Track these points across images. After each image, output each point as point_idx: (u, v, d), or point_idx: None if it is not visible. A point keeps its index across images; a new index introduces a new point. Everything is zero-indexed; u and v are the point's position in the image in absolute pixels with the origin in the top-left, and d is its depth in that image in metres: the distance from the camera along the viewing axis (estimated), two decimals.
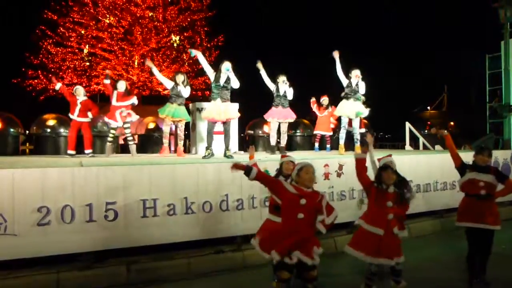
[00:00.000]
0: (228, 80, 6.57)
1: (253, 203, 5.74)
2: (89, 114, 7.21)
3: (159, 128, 10.34)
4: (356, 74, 7.49)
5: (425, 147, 10.67)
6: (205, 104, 8.50)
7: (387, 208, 3.97)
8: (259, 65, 7.52)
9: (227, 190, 5.57)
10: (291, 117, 7.81)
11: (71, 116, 7.13)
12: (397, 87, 32.12)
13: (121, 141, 10.66)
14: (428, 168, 7.53)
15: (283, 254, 3.53)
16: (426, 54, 37.05)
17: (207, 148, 6.65)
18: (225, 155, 6.52)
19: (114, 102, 7.25)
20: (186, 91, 7.30)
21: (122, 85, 7.34)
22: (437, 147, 10.62)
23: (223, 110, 6.57)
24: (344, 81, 7.59)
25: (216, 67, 6.72)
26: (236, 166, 3.75)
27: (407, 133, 10.76)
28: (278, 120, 7.78)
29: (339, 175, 6.50)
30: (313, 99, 9.47)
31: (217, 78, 6.57)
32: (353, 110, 7.52)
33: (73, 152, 7.14)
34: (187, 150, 10.18)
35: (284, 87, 7.66)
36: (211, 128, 6.73)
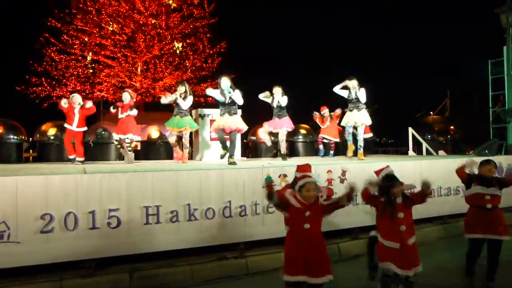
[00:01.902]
0: (231, 98, 6.77)
1: (256, 209, 5.74)
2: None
3: (162, 135, 10.37)
4: (352, 85, 7.56)
5: (428, 153, 10.64)
6: (206, 111, 8.55)
7: (399, 220, 3.95)
8: (265, 96, 7.77)
9: (230, 197, 5.58)
10: (288, 125, 7.87)
11: (68, 126, 7.12)
12: (400, 92, 32.09)
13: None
14: (431, 173, 7.49)
15: (294, 276, 3.63)
16: (428, 59, 37.07)
17: (230, 156, 6.70)
18: (229, 163, 6.55)
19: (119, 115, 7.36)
20: (185, 104, 7.28)
21: (126, 97, 7.40)
22: (441, 152, 10.59)
23: (231, 121, 6.77)
24: (344, 94, 7.66)
25: (218, 74, 6.82)
26: (269, 187, 3.81)
27: (410, 138, 10.75)
28: (274, 129, 7.89)
29: (342, 181, 6.48)
30: (315, 114, 9.48)
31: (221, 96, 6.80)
32: (356, 120, 7.60)
33: (75, 156, 7.16)
34: (190, 157, 10.19)
35: (277, 98, 7.78)
36: (221, 135, 6.88)
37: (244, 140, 11.71)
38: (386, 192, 4.04)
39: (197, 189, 5.39)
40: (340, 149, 10.10)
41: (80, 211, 4.74)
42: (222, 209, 5.52)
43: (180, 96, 7.28)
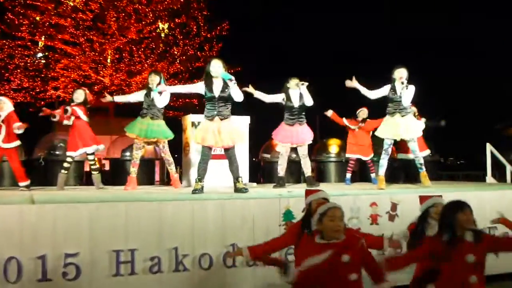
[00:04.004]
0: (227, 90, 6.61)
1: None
2: (17, 130, 7.22)
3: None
4: (399, 75, 7.39)
5: None
6: (201, 118, 8.58)
7: (466, 265, 3.85)
8: (250, 89, 7.58)
9: (233, 238, 5.57)
10: (309, 138, 7.84)
11: None
12: (473, 95, 31.97)
13: (86, 168, 10.77)
14: None
15: None
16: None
17: (237, 179, 6.62)
18: (236, 189, 6.48)
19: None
20: (161, 100, 7.28)
21: (79, 96, 7.50)
22: None
23: (226, 131, 6.59)
24: (383, 93, 7.58)
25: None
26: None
27: (488, 158, 10.63)
28: (292, 144, 7.81)
29: (392, 217, 6.46)
30: (330, 113, 9.46)
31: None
32: (398, 130, 7.48)
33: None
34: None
35: (296, 94, 7.67)
36: (208, 156, 6.78)
37: (254, 159, 11.73)
38: (449, 223, 3.97)
39: (187, 227, 5.39)
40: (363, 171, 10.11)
41: (26, 256, 4.76)
42: (223, 255, 5.50)
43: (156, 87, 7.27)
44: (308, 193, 4.42)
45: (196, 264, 5.39)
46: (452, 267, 3.89)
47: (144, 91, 7.45)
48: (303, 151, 7.82)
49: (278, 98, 7.77)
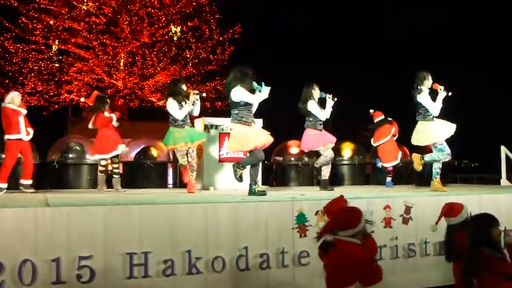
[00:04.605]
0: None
1: (283, 260, 5.71)
2: (30, 130, 7.40)
3: (151, 154, 10.50)
4: (430, 82, 7.55)
5: None
6: (214, 120, 8.64)
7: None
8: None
9: (247, 241, 5.57)
10: (333, 139, 8.05)
11: (13, 136, 7.20)
12: (486, 95, 31.65)
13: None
14: None
15: None
16: None
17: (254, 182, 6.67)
18: (251, 192, 6.50)
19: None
20: (197, 108, 7.58)
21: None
22: None
23: (262, 132, 6.85)
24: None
25: (230, 69, 6.84)
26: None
27: (503, 161, 10.55)
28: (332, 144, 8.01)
29: (405, 221, 6.43)
30: (372, 111, 9.47)
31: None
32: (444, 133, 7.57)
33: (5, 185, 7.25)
34: None
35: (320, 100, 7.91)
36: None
37: (266, 162, 11.73)
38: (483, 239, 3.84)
39: (201, 230, 5.40)
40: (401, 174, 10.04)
41: (40, 258, 4.78)
42: (236, 258, 5.51)
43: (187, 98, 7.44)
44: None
45: (209, 267, 5.39)
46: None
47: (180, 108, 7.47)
48: (330, 155, 7.99)
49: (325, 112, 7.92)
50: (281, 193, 6.96)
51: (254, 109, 6.75)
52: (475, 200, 6.86)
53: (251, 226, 5.60)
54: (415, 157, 7.73)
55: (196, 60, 19.76)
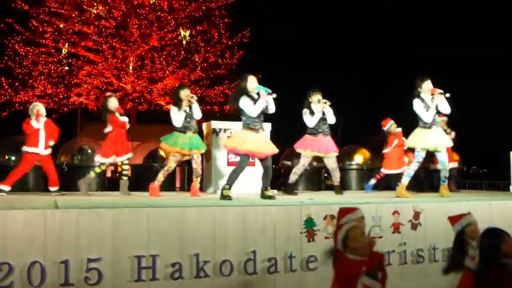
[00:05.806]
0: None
1: (292, 264, 5.70)
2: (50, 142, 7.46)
3: (161, 157, 10.51)
4: (430, 87, 7.37)
5: None
6: (222, 124, 8.63)
7: None
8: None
9: (254, 245, 5.56)
10: (334, 150, 7.98)
11: (30, 149, 7.24)
12: (494, 97, 31.45)
13: (108, 173, 10.88)
14: None
15: None
16: None
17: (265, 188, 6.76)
18: (263, 196, 6.54)
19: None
20: (199, 112, 7.54)
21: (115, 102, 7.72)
22: None
23: (267, 141, 6.88)
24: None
25: (239, 73, 6.86)
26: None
27: None
28: (318, 153, 7.91)
29: (414, 226, 6.40)
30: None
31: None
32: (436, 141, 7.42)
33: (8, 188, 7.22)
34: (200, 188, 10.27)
35: (317, 109, 7.83)
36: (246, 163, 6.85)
37: (274, 166, 11.71)
38: (490, 253, 3.78)
39: (209, 234, 5.40)
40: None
41: (49, 260, 4.80)
42: (244, 262, 5.50)
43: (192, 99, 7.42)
44: (342, 214, 4.23)
45: (217, 270, 5.38)
46: None
47: (181, 114, 7.50)
48: (331, 164, 7.97)
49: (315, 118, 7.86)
50: (289, 198, 6.96)
51: (261, 115, 6.74)
52: (484, 206, 6.83)
53: (259, 230, 5.60)
54: (399, 191, 7.38)
55: (205, 64, 19.80)
